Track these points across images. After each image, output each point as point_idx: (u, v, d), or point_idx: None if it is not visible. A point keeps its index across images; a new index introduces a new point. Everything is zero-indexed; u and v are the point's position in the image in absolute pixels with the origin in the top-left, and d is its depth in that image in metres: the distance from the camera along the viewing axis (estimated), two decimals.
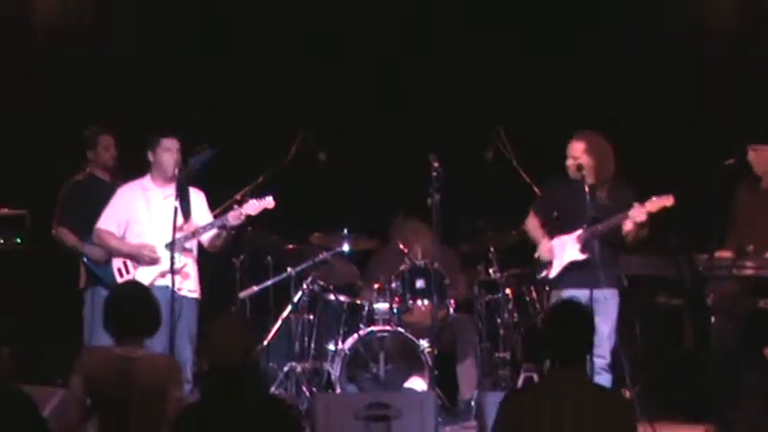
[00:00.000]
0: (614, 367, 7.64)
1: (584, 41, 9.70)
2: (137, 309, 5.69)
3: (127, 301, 5.71)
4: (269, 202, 7.87)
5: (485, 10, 9.87)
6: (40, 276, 8.90)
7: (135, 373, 5.55)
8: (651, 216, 7.52)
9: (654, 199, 7.54)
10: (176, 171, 7.81)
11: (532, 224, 8.07)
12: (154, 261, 7.76)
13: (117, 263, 7.88)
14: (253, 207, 7.84)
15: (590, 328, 5.05)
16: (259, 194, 8.01)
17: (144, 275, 7.74)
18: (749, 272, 7.58)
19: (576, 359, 4.97)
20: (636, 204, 7.53)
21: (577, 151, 7.83)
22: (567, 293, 7.73)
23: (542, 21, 9.81)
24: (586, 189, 7.60)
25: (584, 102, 9.49)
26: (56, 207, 8.38)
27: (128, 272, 7.83)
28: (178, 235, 7.71)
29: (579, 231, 7.73)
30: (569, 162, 7.84)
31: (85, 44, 9.81)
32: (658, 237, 8.27)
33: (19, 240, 8.49)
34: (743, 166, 7.85)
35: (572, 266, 7.78)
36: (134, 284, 6.36)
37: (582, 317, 5.15)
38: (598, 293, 7.53)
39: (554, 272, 7.86)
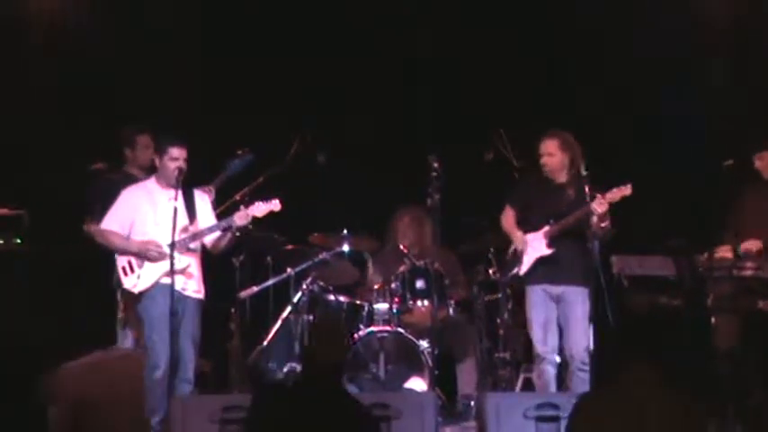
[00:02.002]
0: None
1: (583, 41, 9.69)
2: None
3: None
4: (275, 204, 7.87)
5: (485, 10, 9.86)
6: (39, 277, 8.86)
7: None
8: (613, 207, 7.72)
9: (614, 189, 7.71)
10: (179, 178, 7.79)
11: (508, 219, 8.25)
12: (160, 256, 7.75)
13: (121, 261, 7.85)
14: (259, 209, 7.84)
15: (659, 334, 5.04)
16: (260, 195, 8.01)
17: (149, 274, 7.75)
18: (749, 273, 7.62)
19: (647, 363, 4.94)
20: (598, 196, 7.71)
21: (552, 147, 7.98)
22: (536, 289, 7.97)
23: (542, 21, 9.80)
24: (569, 192, 7.78)
25: (583, 101, 9.49)
26: (89, 203, 8.33)
27: (132, 271, 7.80)
28: (183, 236, 7.72)
29: (546, 228, 7.96)
30: (544, 159, 7.97)
31: (85, 43, 9.79)
32: (658, 237, 8.29)
33: (18, 240, 8.47)
34: (743, 168, 7.88)
35: (540, 262, 8.00)
36: None
37: (653, 320, 5.15)
38: (566, 290, 7.87)
39: (524, 268, 8.08)
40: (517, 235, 8.14)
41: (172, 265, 7.58)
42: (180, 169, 7.77)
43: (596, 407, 4.91)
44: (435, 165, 8.21)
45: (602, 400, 4.98)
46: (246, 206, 7.89)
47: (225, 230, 7.85)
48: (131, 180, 8.34)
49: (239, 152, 8.09)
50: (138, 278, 7.78)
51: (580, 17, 9.70)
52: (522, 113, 9.41)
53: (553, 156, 8.01)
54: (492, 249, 8.92)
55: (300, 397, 5.10)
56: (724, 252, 7.79)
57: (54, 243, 8.51)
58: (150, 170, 8.35)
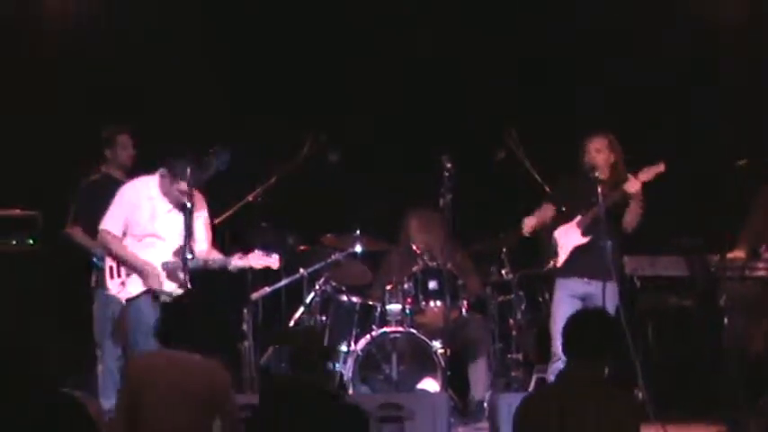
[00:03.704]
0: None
1: (588, 41, 9.69)
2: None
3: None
4: (274, 261, 7.86)
5: (491, 11, 9.85)
6: (52, 277, 8.88)
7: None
8: (646, 188, 7.86)
9: (645, 169, 7.82)
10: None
11: (541, 211, 8.24)
12: (155, 279, 7.70)
13: (110, 261, 7.81)
14: (256, 260, 7.82)
15: (603, 329, 5.05)
16: (271, 197, 7.97)
17: (135, 284, 7.72)
18: (761, 273, 7.61)
19: (589, 360, 4.95)
20: (630, 176, 7.82)
21: (600, 144, 7.99)
22: (565, 285, 7.99)
23: (548, 22, 9.79)
24: (599, 189, 7.76)
25: (592, 101, 9.49)
26: (70, 206, 8.39)
27: (119, 275, 7.74)
28: (174, 260, 7.69)
29: (579, 217, 8.03)
30: (592, 155, 7.96)
31: (99, 44, 9.81)
32: (670, 237, 8.29)
33: (31, 241, 8.50)
34: (756, 168, 7.86)
35: (576, 253, 8.04)
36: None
37: (595, 317, 5.19)
38: (595, 285, 7.88)
39: (560, 260, 8.11)
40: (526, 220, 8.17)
41: (185, 265, 7.59)
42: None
43: (533, 405, 4.98)
44: (448, 165, 8.23)
45: (538, 399, 5.09)
46: (245, 252, 7.85)
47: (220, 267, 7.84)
48: (109, 182, 8.38)
49: (211, 150, 7.99)
50: (122, 285, 7.74)
51: (582, 16, 9.70)
52: (533, 113, 9.41)
53: (600, 153, 8.02)
54: (504, 250, 8.93)
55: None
56: (737, 253, 7.79)
57: (67, 244, 8.51)
58: (129, 171, 8.41)
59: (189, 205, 7.68)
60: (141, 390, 5.61)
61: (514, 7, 9.81)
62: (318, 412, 4.86)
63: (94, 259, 8.27)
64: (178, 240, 7.70)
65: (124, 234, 7.82)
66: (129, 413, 5.60)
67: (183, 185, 7.73)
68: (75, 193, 8.47)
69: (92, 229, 8.23)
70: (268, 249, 8.26)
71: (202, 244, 7.91)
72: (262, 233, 8.52)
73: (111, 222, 7.84)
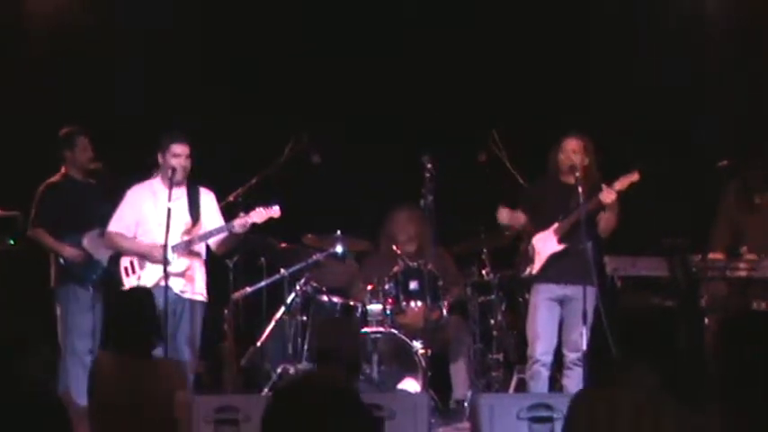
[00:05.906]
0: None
1: (576, 42, 9.69)
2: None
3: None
4: (275, 211, 7.88)
5: (478, 11, 9.85)
6: (33, 277, 8.86)
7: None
8: (621, 199, 7.85)
9: (621, 178, 7.82)
10: (185, 175, 7.88)
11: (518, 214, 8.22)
12: (159, 257, 7.76)
13: (124, 261, 7.96)
14: (259, 215, 7.83)
15: (647, 332, 4.97)
16: (255, 196, 8.00)
17: (150, 276, 7.82)
18: (742, 273, 7.61)
19: (633, 362, 4.86)
20: (604, 186, 7.79)
21: (577, 146, 7.95)
22: (543, 290, 7.99)
23: (537, 22, 9.79)
24: (580, 189, 7.78)
25: (575, 103, 9.49)
26: (32, 208, 8.44)
27: (134, 271, 7.89)
28: (184, 238, 7.77)
29: (556, 224, 7.99)
30: (569, 156, 7.93)
31: (82, 45, 9.79)
32: (652, 237, 8.28)
33: (12, 242, 8.47)
34: (737, 169, 7.87)
35: (552, 260, 8.02)
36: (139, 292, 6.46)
37: (637, 321, 5.11)
38: (574, 289, 7.88)
39: (536, 267, 8.07)
40: (503, 210, 8.13)
41: (165, 267, 7.60)
42: (182, 167, 7.83)
43: (594, 405, 4.87)
44: (429, 165, 8.22)
45: (600, 400, 4.94)
46: (247, 212, 7.88)
47: (227, 234, 7.86)
48: (69, 183, 8.50)
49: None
50: (138, 279, 7.84)
51: (572, 17, 9.70)
52: (516, 114, 9.41)
53: (576, 154, 7.99)
54: (485, 250, 8.93)
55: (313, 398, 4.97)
56: (716, 255, 7.79)
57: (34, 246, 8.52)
58: (87, 171, 8.47)
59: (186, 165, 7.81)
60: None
61: (500, 8, 9.82)
62: (333, 411, 4.81)
63: (61, 261, 8.32)
64: (183, 224, 7.85)
65: (135, 236, 7.94)
66: None
67: (176, 148, 7.86)
68: (36, 196, 8.51)
69: (54, 230, 8.30)
70: (248, 251, 8.30)
71: (217, 221, 8.02)
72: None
73: (116, 223, 8.00)
